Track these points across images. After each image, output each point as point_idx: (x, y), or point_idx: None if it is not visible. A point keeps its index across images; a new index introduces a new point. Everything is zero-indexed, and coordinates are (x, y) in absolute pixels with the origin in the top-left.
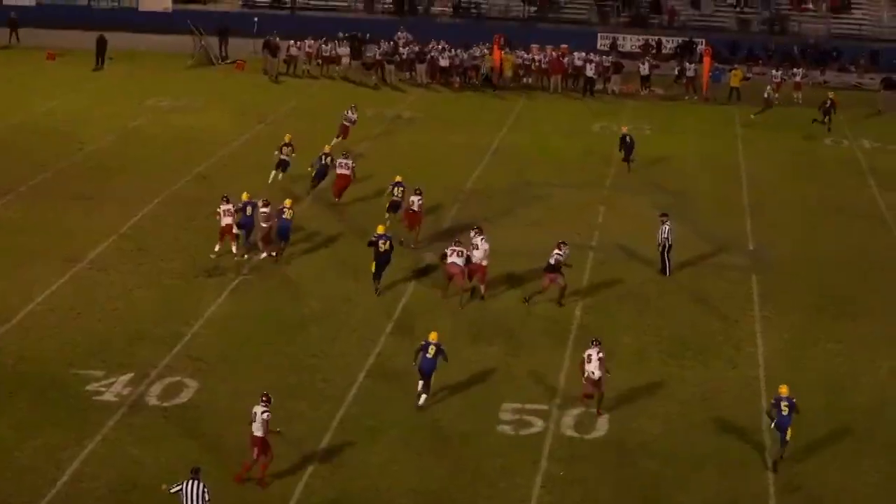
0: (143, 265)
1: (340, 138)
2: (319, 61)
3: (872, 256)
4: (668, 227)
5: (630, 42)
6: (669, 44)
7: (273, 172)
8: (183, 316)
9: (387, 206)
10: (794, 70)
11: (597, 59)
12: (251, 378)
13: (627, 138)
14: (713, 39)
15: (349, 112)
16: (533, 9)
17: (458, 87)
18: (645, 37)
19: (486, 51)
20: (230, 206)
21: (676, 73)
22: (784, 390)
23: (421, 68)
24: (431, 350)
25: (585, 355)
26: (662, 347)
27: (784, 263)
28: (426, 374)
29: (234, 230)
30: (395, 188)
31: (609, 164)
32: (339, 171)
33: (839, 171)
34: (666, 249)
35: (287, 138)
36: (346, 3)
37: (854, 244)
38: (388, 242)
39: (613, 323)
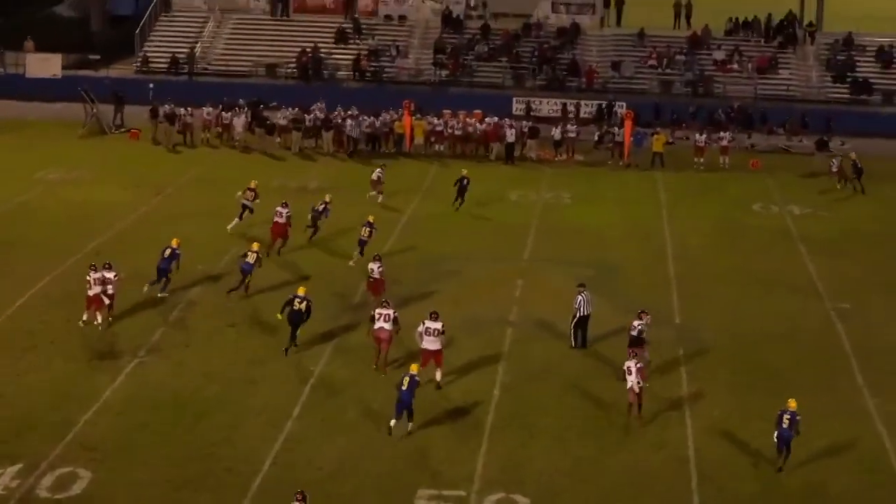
0: (33, 348)
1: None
2: (219, 129)
3: (804, 329)
4: (583, 298)
5: (547, 106)
6: (588, 107)
7: (235, 220)
8: (76, 402)
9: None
10: (722, 134)
11: (516, 124)
12: (148, 468)
13: (465, 181)
14: (634, 102)
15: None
16: (444, 72)
17: (368, 155)
18: (562, 100)
19: (395, 116)
20: (99, 275)
21: (596, 137)
22: (792, 404)
23: (327, 136)
24: (298, 303)
25: (625, 367)
26: (585, 428)
27: (712, 338)
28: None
29: (105, 300)
30: (365, 228)
31: (527, 233)
32: (275, 218)
33: (768, 240)
34: (580, 321)
35: (252, 184)
36: (247, 69)
37: (785, 317)
38: (304, 303)
39: (533, 403)
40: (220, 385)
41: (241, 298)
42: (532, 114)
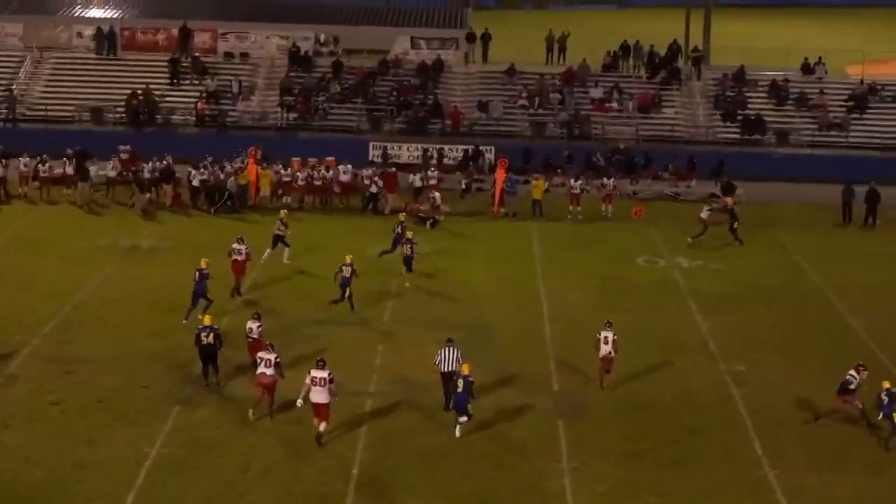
0: None
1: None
2: (38, 183)
3: (697, 394)
4: (445, 353)
5: (407, 152)
6: (453, 152)
7: (268, 250)
8: None
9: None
10: (605, 181)
11: (376, 171)
12: None
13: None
14: (504, 146)
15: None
16: (292, 116)
17: (210, 209)
18: (424, 145)
19: (240, 165)
20: None
21: (463, 185)
22: (886, 384)
23: (168, 188)
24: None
25: (602, 337)
26: None
27: (595, 405)
28: None
29: None
30: (344, 268)
31: (389, 294)
32: (234, 256)
33: (655, 296)
34: (445, 378)
35: (282, 213)
36: (69, 113)
37: (676, 380)
38: (210, 335)
39: (398, 483)
40: (44, 470)
41: (66, 374)
42: (390, 160)
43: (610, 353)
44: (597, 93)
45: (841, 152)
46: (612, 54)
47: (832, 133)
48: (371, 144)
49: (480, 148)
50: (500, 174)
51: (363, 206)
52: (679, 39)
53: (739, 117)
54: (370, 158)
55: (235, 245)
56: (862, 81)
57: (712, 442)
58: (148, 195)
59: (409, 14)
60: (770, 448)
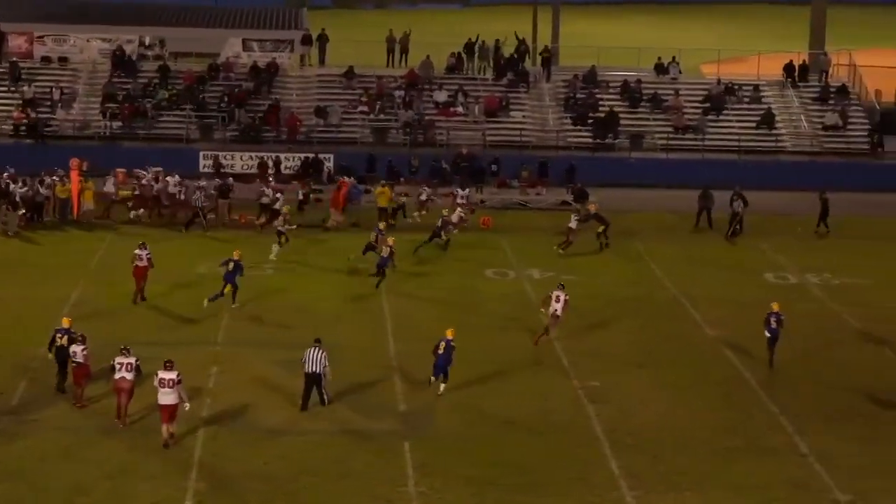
0: None
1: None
2: None
3: (551, 412)
4: (311, 353)
5: (241, 161)
6: (290, 161)
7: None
8: None
9: None
10: (460, 191)
11: (206, 184)
12: None
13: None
14: (345, 154)
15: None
16: (116, 124)
17: (25, 226)
18: (259, 154)
19: (59, 178)
20: None
21: (301, 197)
22: (776, 306)
23: None
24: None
25: (554, 295)
26: None
27: (445, 426)
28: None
29: None
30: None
31: (221, 313)
32: (135, 262)
33: (505, 310)
34: (308, 379)
35: (286, 210)
36: None
37: (529, 399)
38: (65, 336)
39: None
40: None
41: None
42: (223, 170)
43: (557, 311)
44: (441, 96)
45: (698, 156)
46: (456, 55)
47: (688, 136)
48: (202, 154)
49: (320, 156)
50: (342, 185)
51: (188, 222)
52: (527, 39)
53: (591, 120)
54: (200, 168)
55: (137, 251)
56: (718, 81)
57: (567, 463)
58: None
59: (240, 15)
60: (627, 468)
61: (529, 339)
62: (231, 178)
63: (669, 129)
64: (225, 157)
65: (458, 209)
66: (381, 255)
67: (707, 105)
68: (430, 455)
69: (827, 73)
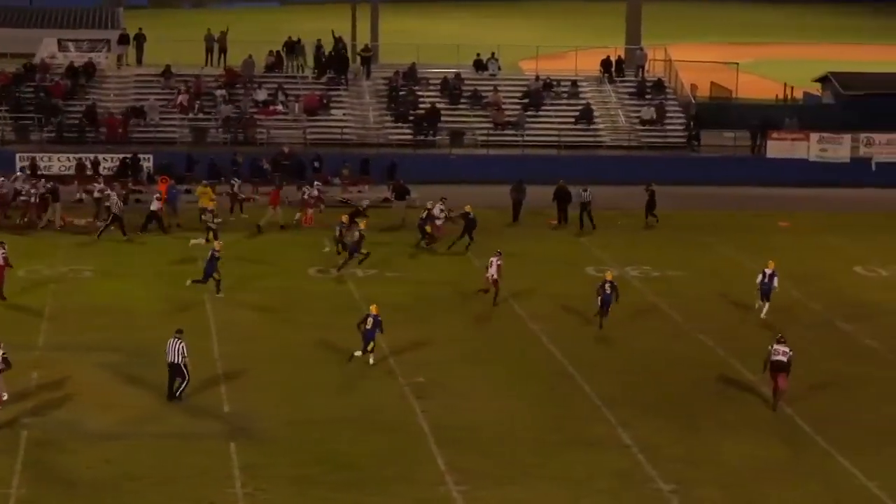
0: None
1: None
2: None
3: (377, 410)
4: (172, 343)
5: (58, 163)
6: (109, 162)
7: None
8: None
9: None
10: (307, 190)
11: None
12: None
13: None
14: (164, 153)
15: None
16: None
17: None
18: (77, 155)
19: None
20: None
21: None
22: (609, 275)
23: None
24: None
25: (490, 262)
26: None
27: (271, 426)
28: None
29: None
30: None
31: (41, 316)
32: None
33: (329, 308)
34: (170, 369)
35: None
36: None
37: (355, 396)
38: None
39: None
40: None
41: None
42: (40, 172)
43: (493, 275)
44: (261, 95)
45: (518, 151)
46: (275, 54)
47: (508, 132)
48: (18, 156)
49: (139, 156)
50: (161, 185)
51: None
52: (345, 37)
53: (411, 118)
54: (17, 170)
55: None
56: (536, 77)
57: (393, 459)
58: None
59: (55, 15)
60: (454, 463)
61: (354, 338)
62: (53, 182)
63: (489, 126)
64: (42, 159)
65: (439, 206)
66: (350, 241)
67: (526, 101)
68: (257, 456)
69: (643, 68)
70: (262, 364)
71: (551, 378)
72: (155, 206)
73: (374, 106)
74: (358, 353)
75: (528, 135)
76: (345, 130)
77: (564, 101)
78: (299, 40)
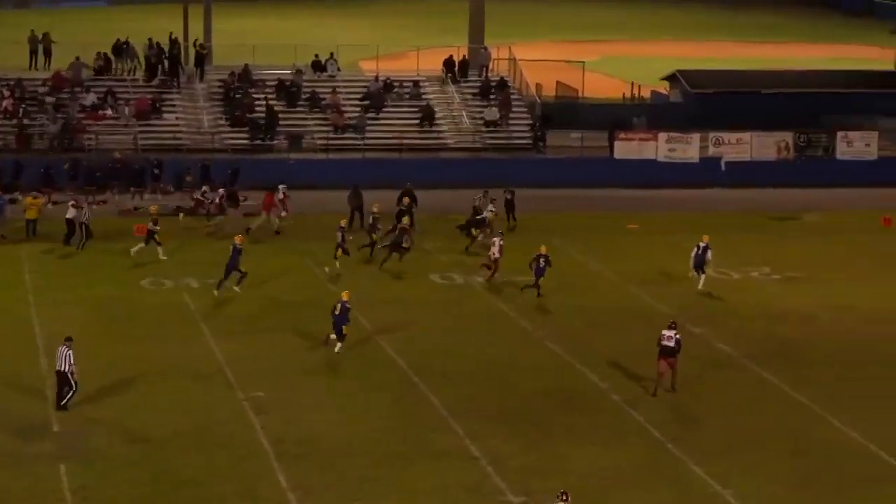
0: None
1: None
2: None
3: (216, 425)
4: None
5: None
6: None
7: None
8: None
9: None
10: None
11: None
12: None
13: None
14: None
15: None
16: None
17: None
18: None
19: None
20: None
21: None
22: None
23: None
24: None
25: (492, 241)
26: None
27: (103, 447)
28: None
29: None
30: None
31: None
32: None
33: (164, 320)
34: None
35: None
36: None
37: (192, 411)
38: None
39: None
40: None
41: None
42: None
43: (494, 254)
44: (89, 99)
45: (358, 155)
46: (103, 56)
47: (348, 135)
48: None
49: None
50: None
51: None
52: (177, 35)
53: (248, 121)
54: None
55: None
56: (376, 78)
57: (233, 476)
58: None
59: None
60: (295, 479)
61: (190, 350)
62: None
63: (329, 129)
64: None
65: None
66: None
67: (367, 103)
68: (89, 477)
69: (487, 67)
70: (92, 379)
71: (396, 389)
72: None
73: (209, 109)
74: (333, 337)
75: (369, 138)
76: (179, 135)
77: (406, 103)
78: (128, 42)
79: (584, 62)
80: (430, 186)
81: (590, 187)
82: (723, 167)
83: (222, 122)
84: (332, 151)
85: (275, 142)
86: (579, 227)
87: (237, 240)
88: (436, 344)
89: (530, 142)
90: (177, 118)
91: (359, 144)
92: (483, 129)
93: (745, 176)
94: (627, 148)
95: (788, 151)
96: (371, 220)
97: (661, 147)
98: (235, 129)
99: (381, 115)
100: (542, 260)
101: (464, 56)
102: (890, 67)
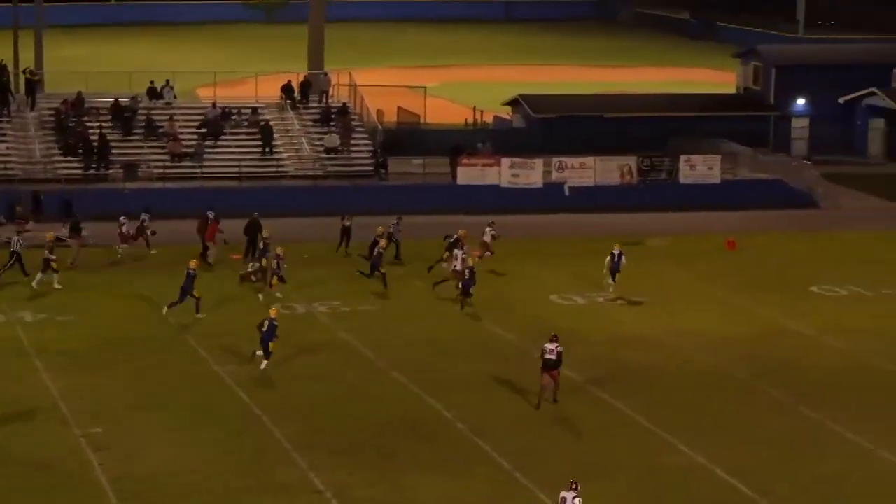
0: None
1: None
2: None
3: (54, 465)
4: None
5: None
6: None
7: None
8: None
9: None
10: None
11: None
12: None
13: None
14: None
15: None
16: None
17: None
18: None
19: None
20: None
21: None
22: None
23: None
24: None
25: (455, 254)
26: None
27: None
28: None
29: None
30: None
31: None
32: None
33: None
34: None
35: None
36: None
37: (26, 450)
38: None
39: None
40: None
41: None
42: None
43: (456, 266)
44: None
45: (197, 184)
46: None
47: (185, 163)
48: None
49: None
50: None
51: None
52: (8, 65)
53: (81, 150)
54: None
55: None
56: (214, 105)
57: None
58: None
59: None
60: None
61: (23, 387)
62: None
63: (166, 157)
64: None
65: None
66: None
67: (204, 130)
68: None
69: (327, 93)
70: None
71: (237, 421)
72: None
73: (41, 138)
74: (259, 353)
75: (207, 166)
76: (9, 165)
77: (244, 130)
78: None
79: (425, 87)
80: (272, 215)
81: (433, 213)
82: (566, 192)
83: (55, 150)
84: (170, 180)
85: (110, 171)
86: (423, 255)
87: (192, 264)
88: (276, 375)
89: (372, 168)
90: (7, 147)
91: (196, 173)
92: (324, 155)
93: (589, 200)
94: (470, 174)
95: (632, 176)
96: (262, 246)
97: (505, 172)
98: (68, 158)
99: (220, 142)
100: (467, 272)
101: (303, 80)
102: (732, 90)
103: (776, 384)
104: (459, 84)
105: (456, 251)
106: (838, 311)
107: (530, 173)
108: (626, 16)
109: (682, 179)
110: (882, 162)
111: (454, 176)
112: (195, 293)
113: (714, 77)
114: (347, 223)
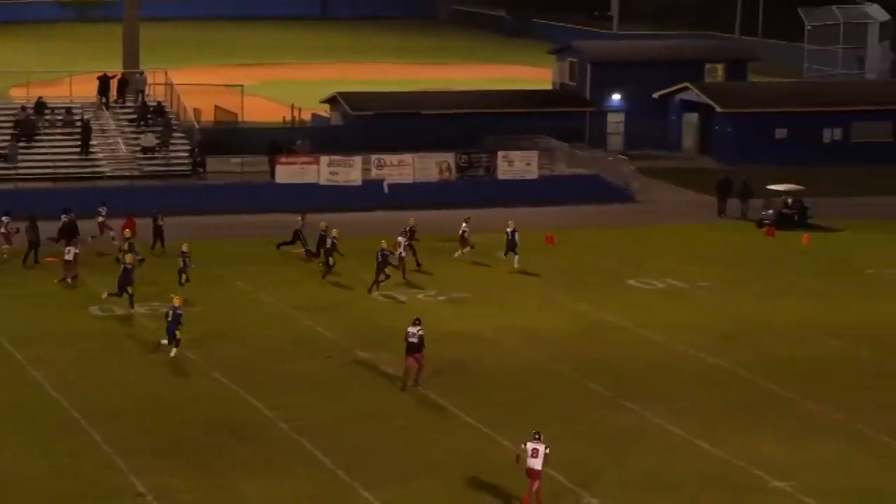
0: None
1: None
2: None
3: None
4: None
5: None
6: None
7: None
8: None
9: None
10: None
11: None
12: None
13: None
14: None
15: None
16: None
17: None
18: None
19: None
20: None
21: None
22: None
23: None
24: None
25: (397, 241)
26: None
27: None
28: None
29: None
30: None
31: None
32: None
33: None
34: None
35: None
36: None
37: None
38: None
39: None
40: None
41: None
42: None
43: (402, 254)
44: None
45: (11, 186)
46: None
47: None
48: None
49: None
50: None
51: None
52: None
53: None
54: None
55: None
56: (24, 106)
57: None
58: None
59: None
60: None
61: None
62: None
63: None
64: None
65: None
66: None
67: (17, 131)
68: None
69: (143, 92)
70: None
71: (55, 427)
72: None
73: None
74: (164, 342)
75: (21, 167)
76: None
77: (59, 130)
78: None
79: (242, 86)
80: (89, 216)
81: (252, 213)
82: (385, 189)
83: None
84: None
85: None
86: (243, 255)
87: (128, 258)
88: (95, 378)
89: (189, 168)
90: None
91: (11, 175)
92: (140, 155)
93: (408, 198)
94: (289, 172)
95: (450, 172)
96: (127, 246)
97: (324, 170)
98: None
99: (35, 143)
100: (379, 255)
101: (119, 78)
102: (549, 87)
103: (596, 378)
104: (277, 82)
105: (399, 238)
106: (656, 305)
107: (349, 171)
108: (444, 14)
109: (501, 175)
110: (695, 156)
111: (273, 174)
112: (129, 288)
113: (531, 74)
114: (160, 223)
